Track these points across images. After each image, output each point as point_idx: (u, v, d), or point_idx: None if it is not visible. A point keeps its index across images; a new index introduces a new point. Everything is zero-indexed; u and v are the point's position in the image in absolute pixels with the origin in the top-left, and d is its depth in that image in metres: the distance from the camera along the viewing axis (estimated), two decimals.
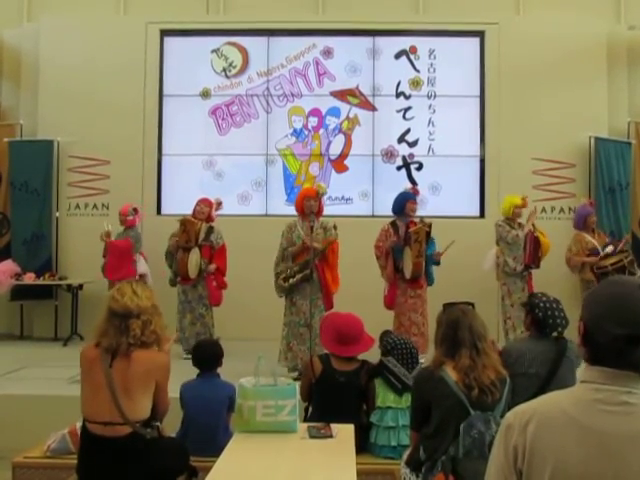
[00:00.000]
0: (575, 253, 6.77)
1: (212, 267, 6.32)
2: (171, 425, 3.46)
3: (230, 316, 6.96)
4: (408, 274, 5.94)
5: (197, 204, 6.53)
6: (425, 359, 4.77)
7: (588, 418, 1.37)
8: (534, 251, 6.44)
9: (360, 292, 6.53)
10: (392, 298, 6.09)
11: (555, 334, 3.40)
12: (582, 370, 1.47)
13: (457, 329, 2.85)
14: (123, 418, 2.77)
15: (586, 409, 1.38)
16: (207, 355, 3.70)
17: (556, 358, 3.31)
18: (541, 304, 3.43)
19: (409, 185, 7.51)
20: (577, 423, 1.37)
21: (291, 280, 5.62)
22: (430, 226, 6.06)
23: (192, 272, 6.26)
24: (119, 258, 6.80)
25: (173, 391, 3.31)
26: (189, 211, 6.64)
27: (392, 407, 3.62)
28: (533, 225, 6.59)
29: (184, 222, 6.37)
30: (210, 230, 6.45)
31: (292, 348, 5.63)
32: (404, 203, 6.14)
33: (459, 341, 2.82)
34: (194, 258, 6.28)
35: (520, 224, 6.63)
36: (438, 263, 6.12)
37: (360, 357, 3.76)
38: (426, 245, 5.95)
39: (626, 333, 1.36)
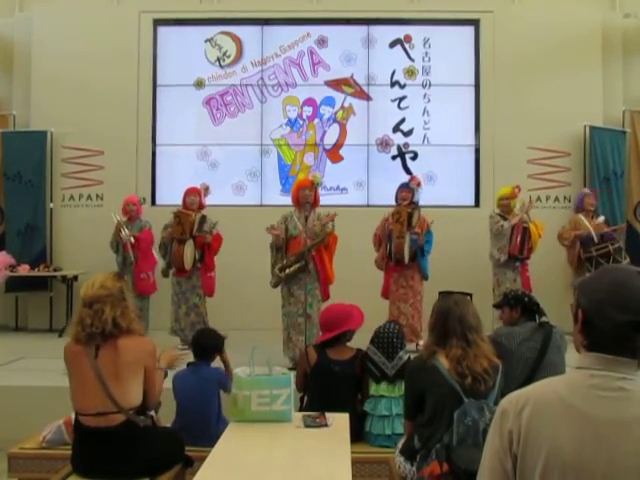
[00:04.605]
0: (567, 230, 6.80)
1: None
2: (166, 416, 3.46)
3: (225, 306, 6.96)
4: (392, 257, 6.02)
5: (186, 195, 6.45)
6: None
7: (583, 404, 1.37)
8: (522, 242, 6.42)
9: (356, 282, 6.53)
10: (386, 287, 6.15)
11: (543, 319, 3.57)
12: (578, 356, 1.47)
13: (447, 319, 2.87)
14: (115, 406, 2.76)
15: (581, 395, 1.39)
16: (207, 345, 3.72)
17: (543, 341, 3.42)
18: (525, 294, 3.73)
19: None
20: (572, 409, 1.38)
21: (287, 270, 5.61)
22: (414, 209, 6.04)
23: (187, 264, 6.25)
24: (145, 250, 6.80)
25: (167, 382, 3.31)
26: None
27: (385, 396, 3.63)
28: (528, 215, 6.58)
29: (178, 214, 6.34)
30: (203, 220, 6.41)
31: (291, 339, 5.63)
32: (397, 192, 6.28)
33: (449, 331, 2.84)
34: (189, 250, 6.26)
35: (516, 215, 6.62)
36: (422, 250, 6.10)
37: (357, 347, 3.76)
38: (420, 235, 5.99)
39: (630, 320, 1.36)
